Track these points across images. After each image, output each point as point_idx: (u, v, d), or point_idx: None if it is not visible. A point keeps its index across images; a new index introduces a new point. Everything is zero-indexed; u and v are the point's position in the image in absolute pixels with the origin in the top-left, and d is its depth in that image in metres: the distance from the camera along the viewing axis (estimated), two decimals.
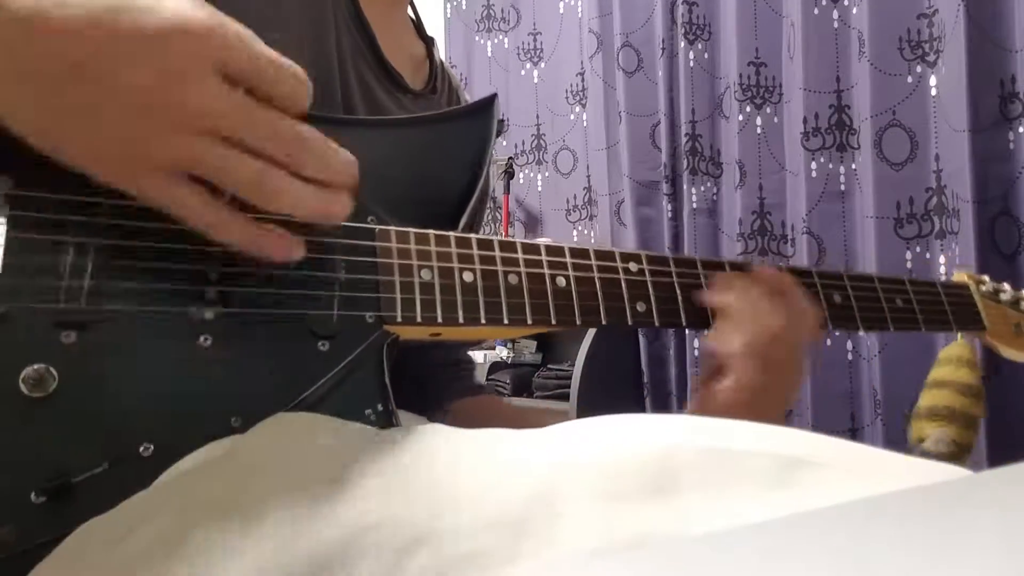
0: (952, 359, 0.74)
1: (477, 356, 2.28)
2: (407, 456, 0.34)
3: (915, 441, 0.76)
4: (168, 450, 0.36)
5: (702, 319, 0.55)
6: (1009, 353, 0.73)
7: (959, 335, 0.74)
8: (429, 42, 0.76)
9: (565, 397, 1.93)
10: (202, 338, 0.40)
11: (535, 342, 2.34)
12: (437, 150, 0.55)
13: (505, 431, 0.36)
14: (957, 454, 0.74)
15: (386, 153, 0.52)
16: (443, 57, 0.82)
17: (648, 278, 0.54)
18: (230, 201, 0.38)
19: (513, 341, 2.33)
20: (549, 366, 2.22)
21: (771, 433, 0.32)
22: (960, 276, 0.74)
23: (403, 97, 0.66)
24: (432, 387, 0.72)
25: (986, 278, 0.75)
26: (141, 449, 0.36)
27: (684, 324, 0.54)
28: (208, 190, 0.37)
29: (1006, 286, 0.74)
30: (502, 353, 2.31)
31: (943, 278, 1.51)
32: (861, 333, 1.65)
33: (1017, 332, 0.73)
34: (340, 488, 0.32)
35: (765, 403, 0.53)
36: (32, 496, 0.34)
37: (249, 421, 0.38)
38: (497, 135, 0.56)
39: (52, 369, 0.36)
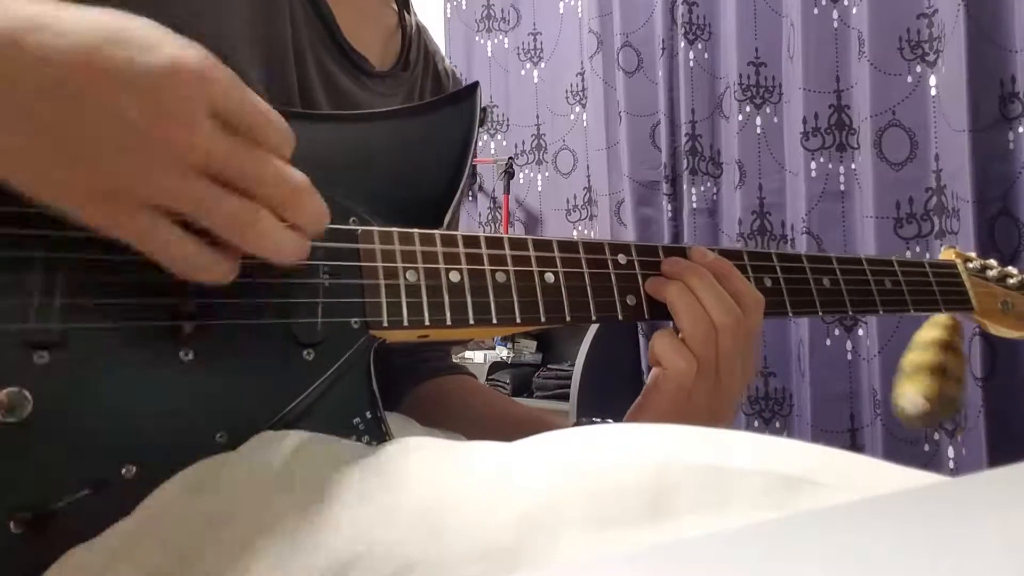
0: (918, 343, 0.73)
1: (477, 356, 2.28)
2: (395, 478, 0.33)
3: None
4: (152, 471, 0.35)
5: None
6: (997, 330, 0.72)
7: (937, 317, 0.73)
8: (402, 5, 0.71)
9: (565, 397, 1.93)
10: (183, 352, 0.38)
11: (535, 342, 2.34)
12: (419, 143, 0.53)
13: (495, 444, 0.35)
14: (931, 413, 0.73)
15: (367, 149, 0.51)
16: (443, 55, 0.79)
17: (638, 270, 0.53)
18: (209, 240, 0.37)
19: (513, 341, 2.33)
20: (549, 366, 2.22)
21: (769, 447, 0.31)
22: (947, 254, 0.73)
23: (368, 80, 0.63)
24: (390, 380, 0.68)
25: (973, 255, 0.74)
26: (124, 471, 0.35)
27: None
28: (186, 229, 0.36)
29: (993, 262, 0.73)
30: (502, 353, 2.31)
31: None
32: (859, 319, 1.65)
33: (1004, 309, 0.71)
34: (327, 515, 0.31)
35: (703, 403, 0.52)
36: (11, 526, 0.33)
37: (235, 436, 0.37)
38: (480, 124, 0.54)
39: (26, 392, 0.34)
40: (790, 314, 0.58)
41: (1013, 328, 0.72)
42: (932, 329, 0.72)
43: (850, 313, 0.61)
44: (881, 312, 0.62)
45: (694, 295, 0.52)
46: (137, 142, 0.33)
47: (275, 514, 0.32)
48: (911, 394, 0.70)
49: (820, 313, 0.59)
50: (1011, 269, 0.74)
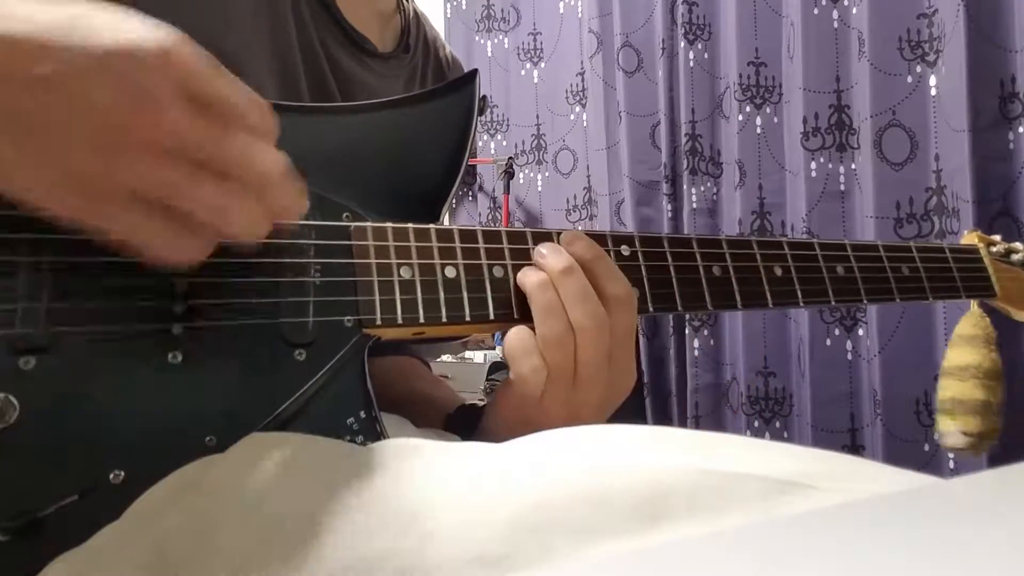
0: (961, 340, 0.69)
1: (477, 356, 2.28)
2: (387, 483, 0.33)
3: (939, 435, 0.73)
4: (140, 475, 0.35)
5: (698, 302, 0.52)
6: (1021, 317, 0.68)
7: (973, 306, 0.69)
8: None
9: None
10: (171, 355, 0.38)
11: None
12: (416, 134, 0.51)
13: (489, 447, 0.35)
14: (976, 444, 0.70)
15: (361, 141, 0.49)
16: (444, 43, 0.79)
17: (642, 262, 0.51)
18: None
19: None
20: None
21: (764, 451, 0.31)
22: (970, 237, 0.69)
23: (371, 61, 0.62)
24: None
25: (997, 238, 0.70)
26: (112, 476, 0.35)
27: (680, 308, 0.51)
28: (161, 213, 0.35)
29: (1019, 245, 0.70)
30: (502, 353, 2.30)
31: None
32: (860, 318, 1.65)
33: None
34: (317, 522, 0.31)
35: (557, 413, 0.46)
36: None
37: (224, 439, 0.37)
38: (480, 112, 0.53)
39: (12, 398, 0.34)
40: (801, 304, 0.56)
41: None
42: (951, 352, 0.69)
43: (864, 302, 0.57)
44: (898, 300, 0.59)
45: (555, 290, 0.46)
46: (106, 127, 0.32)
47: (263, 519, 0.31)
48: (948, 431, 0.68)
49: (833, 302, 0.56)
50: None
